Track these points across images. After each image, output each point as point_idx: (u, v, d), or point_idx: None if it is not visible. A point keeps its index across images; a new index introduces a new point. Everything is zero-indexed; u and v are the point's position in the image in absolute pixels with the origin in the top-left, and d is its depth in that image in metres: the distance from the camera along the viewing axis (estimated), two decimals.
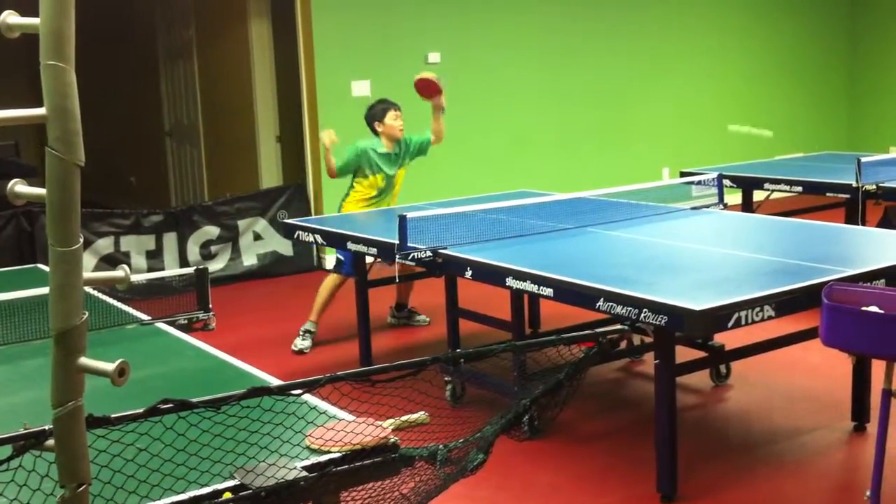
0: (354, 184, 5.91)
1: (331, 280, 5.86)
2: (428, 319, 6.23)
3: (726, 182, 5.69)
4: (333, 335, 6.02)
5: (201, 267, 6.31)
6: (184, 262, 7.35)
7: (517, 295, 4.23)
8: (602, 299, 3.46)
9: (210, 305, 6.16)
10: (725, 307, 3.20)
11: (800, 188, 6.35)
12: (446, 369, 4.56)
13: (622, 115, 9.67)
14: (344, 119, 7.24)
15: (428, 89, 5.91)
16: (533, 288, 3.80)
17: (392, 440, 2.19)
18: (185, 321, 5.94)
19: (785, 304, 3.34)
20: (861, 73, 11.17)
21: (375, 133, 5.88)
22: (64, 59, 1.34)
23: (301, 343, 5.75)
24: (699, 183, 5.44)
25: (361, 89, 8.09)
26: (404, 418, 2.33)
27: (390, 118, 5.82)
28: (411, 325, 6.24)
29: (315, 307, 5.83)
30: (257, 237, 7.77)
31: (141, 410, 1.73)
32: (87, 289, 3.08)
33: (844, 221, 6.08)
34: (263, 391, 1.87)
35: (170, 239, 7.42)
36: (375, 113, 5.89)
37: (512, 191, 6.50)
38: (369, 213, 5.77)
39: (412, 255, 4.30)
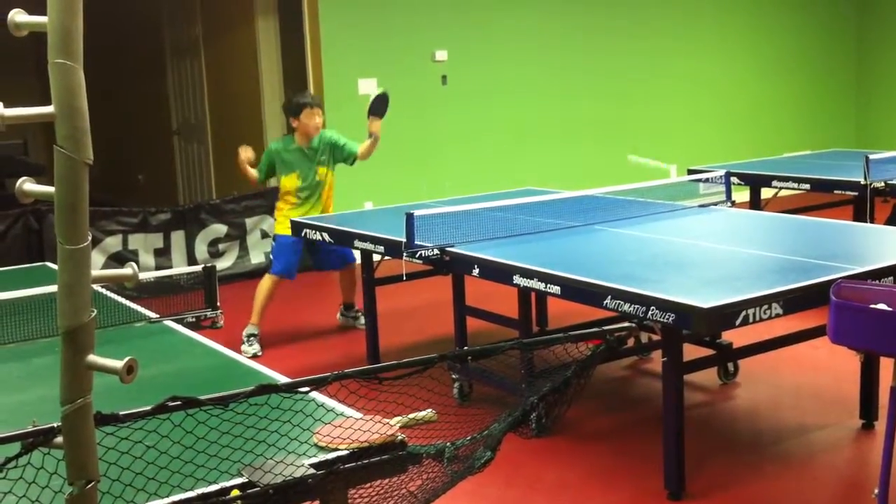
0: (280, 187, 5.81)
1: (266, 281, 5.74)
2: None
3: (734, 179, 5.68)
4: (340, 332, 6.03)
5: (209, 265, 6.33)
6: (192, 261, 7.36)
7: (524, 293, 4.23)
8: (609, 297, 3.46)
9: (218, 303, 6.18)
10: (733, 305, 3.19)
11: (808, 185, 6.33)
12: (454, 367, 4.56)
13: (629, 113, 9.66)
14: (351, 116, 7.24)
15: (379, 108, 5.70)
16: (540, 286, 3.79)
17: (399, 438, 2.19)
18: (193, 319, 5.95)
19: (793, 301, 3.33)
20: (869, 69, 11.14)
21: (292, 128, 5.77)
22: (72, 57, 1.34)
23: (250, 349, 5.55)
24: (707, 180, 5.43)
25: (368, 87, 8.09)
26: (412, 416, 2.33)
27: (305, 116, 5.66)
28: (357, 327, 6.02)
29: (254, 310, 5.70)
30: (265, 235, 7.77)
31: (149, 408, 1.73)
32: (96, 287, 3.09)
33: (852, 219, 6.07)
34: (271, 389, 1.88)
35: (178, 237, 7.44)
36: (291, 108, 5.75)
37: (518, 188, 6.50)
38: (376, 210, 5.77)
39: (419, 252, 4.30)
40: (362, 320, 5.98)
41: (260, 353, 5.55)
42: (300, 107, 5.67)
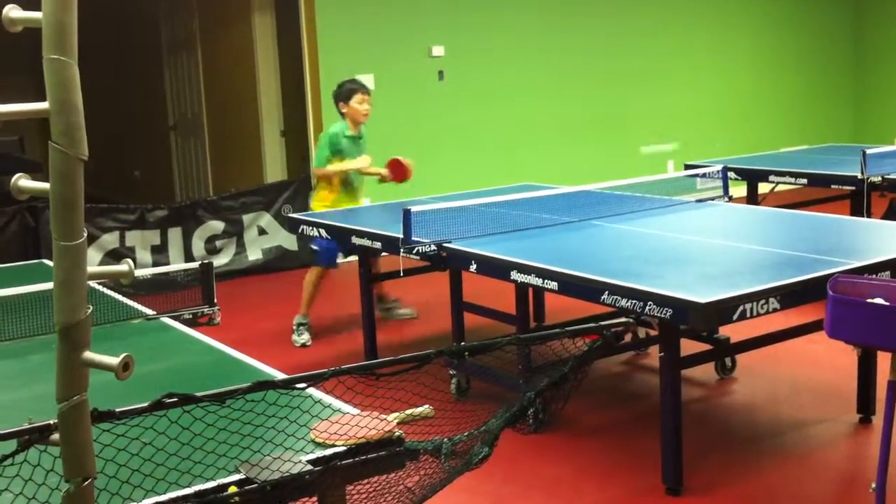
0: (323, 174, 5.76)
1: (312, 273, 5.79)
2: (414, 313, 6.14)
3: (731, 174, 5.68)
4: (338, 328, 6.02)
5: (206, 262, 6.32)
6: (189, 257, 7.36)
7: (522, 288, 4.23)
8: (607, 292, 3.46)
9: (215, 300, 6.17)
10: (730, 300, 3.19)
11: (805, 180, 6.33)
12: (451, 363, 4.56)
13: (627, 108, 9.65)
14: None
15: (399, 173, 5.77)
16: (537, 281, 3.79)
17: (397, 434, 2.19)
18: (190, 316, 5.94)
19: (790, 296, 3.33)
20: (866, 65, 11.14)
21: (340, 114, 5.75)
22: (67, 52, 1.34)
23: (300, 338, 5.69)
24: (704, 175, 5.43)
25: (365, 83, 8.07)
26: (409, 412, 2.33)
27: (356, 101, 5.65)
28: (395, 318, 6.12)
29: (303, 301, 5.78)
30: (262, 232, 7.77)
31: (146, 404, 1.73)
32: (92, 284, 3.08)
33: (850, 213, 6.07)
34: (268, 385, 1.87)
35: (175, 234, 7.43)
36: (341, 93, 5.73)
37: (516, 184, 6.50)
38: (373, 207, 5.76)
39: (416, 248, 4.30)
40: (401, 311, 6.10)
41: (309, 343, 5.64)
42: (351, 92, 5.67)
